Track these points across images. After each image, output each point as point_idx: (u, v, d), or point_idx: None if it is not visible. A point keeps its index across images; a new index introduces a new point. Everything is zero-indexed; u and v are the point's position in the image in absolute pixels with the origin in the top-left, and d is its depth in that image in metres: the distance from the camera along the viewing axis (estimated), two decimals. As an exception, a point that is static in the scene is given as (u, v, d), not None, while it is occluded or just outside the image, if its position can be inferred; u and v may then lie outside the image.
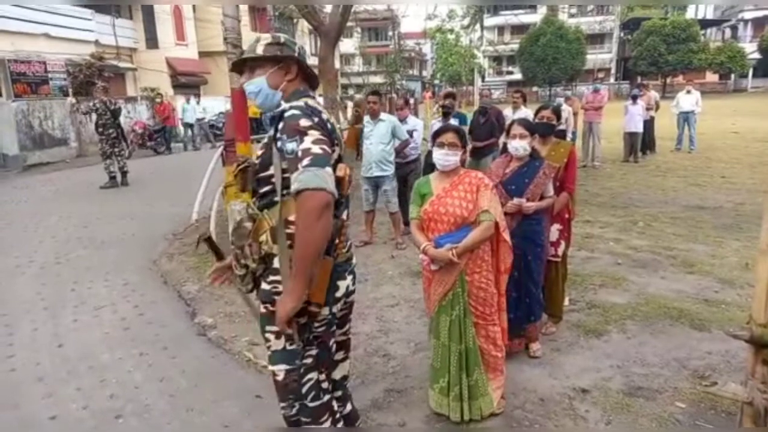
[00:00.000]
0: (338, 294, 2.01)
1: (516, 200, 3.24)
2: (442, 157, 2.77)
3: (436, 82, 56.16)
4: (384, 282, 5.04)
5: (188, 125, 18.38)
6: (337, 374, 2.32)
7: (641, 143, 12.17)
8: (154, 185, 11.06)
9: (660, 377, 3.23)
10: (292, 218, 1.85)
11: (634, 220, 6.84)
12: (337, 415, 2.17)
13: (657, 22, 43.90)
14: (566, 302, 4.13)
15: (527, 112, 8.05)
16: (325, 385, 2.09)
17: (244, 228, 2.01)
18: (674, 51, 41.99)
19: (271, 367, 2.05)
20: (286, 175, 1.81)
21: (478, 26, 52.73)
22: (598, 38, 49.84)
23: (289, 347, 1.98)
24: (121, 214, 8.17)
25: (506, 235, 2.84)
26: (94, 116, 10.77)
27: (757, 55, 43.94)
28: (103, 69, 18.95)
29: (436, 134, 2.85)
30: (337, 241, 1.93)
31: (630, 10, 50.48)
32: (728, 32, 52.28)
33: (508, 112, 8.51)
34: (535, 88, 43.04)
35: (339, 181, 1.86)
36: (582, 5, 50.77)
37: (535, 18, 45.39)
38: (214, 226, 6.24)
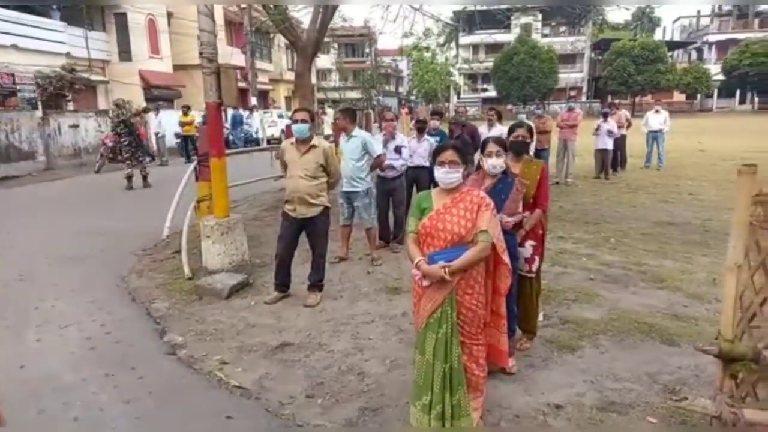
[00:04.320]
0: None
1: (498, 216, 3.26)
2: (444, 175, 2.77)
3: (413, 98, 56.75)
4: (359, 298, 5.00)
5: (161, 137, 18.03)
6: None
7: (612, 160, 12.44)
8: (124, 200, 10.84)
9: (632, 392, 3.26)
10: None
11: (606, 236, 6.95)
12: None
13: (626, 43, 45.34)
14: (540, 318, 4.15)
15: (502, 129, 8.20)
16: None
17: None
18: (643, 71, 43.36)
19: None
20: None
21: (453, 44, 53.63)
22: (570, 58, 51.13)
23: None
24: (90, 230, 7.97)
25: (505, 257, 2.83)
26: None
27: (721, 77, 45.60)
28: (74, 82, 18.62)
29: (436, 152, 2.85)
30: None
31: (600, 31, 52.00)
32: (694, 54, 54.22)
33: (483, 129, 8.65)
34: (509, 106, 43.80)
35: None
36: (555, 26, 52.11)
37: (509, 37, 46.35)
38: (186, 242, 6.13)
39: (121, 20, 22.57)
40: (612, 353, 3.76)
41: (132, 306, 5.03)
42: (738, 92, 48.20)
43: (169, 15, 25.36)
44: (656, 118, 13.34)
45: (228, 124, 20.92)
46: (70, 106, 19.17)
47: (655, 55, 43.65)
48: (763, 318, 2.26)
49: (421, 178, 6.91)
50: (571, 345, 3.88)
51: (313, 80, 31.47)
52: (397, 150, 6.44)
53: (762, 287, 2.23)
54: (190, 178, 7.14)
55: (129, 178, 11.79)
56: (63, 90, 18.15)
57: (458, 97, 53.26)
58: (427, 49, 48.82)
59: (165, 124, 18.04)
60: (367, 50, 49.72)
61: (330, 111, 22.66)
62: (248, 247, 5.91)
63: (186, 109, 18.19)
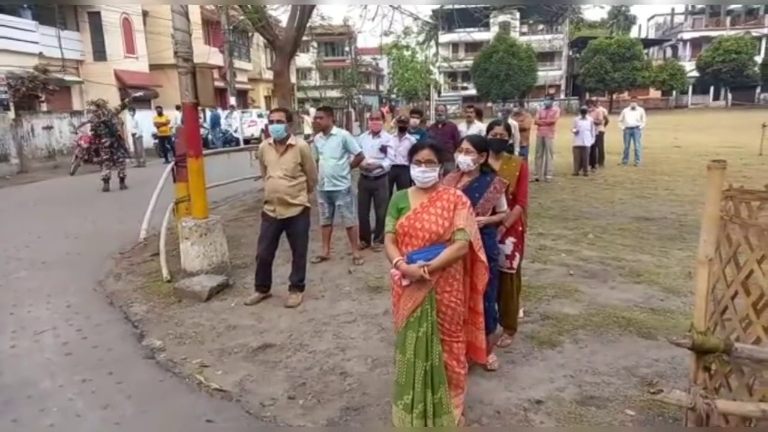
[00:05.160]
0: None
1: None
2: (420, 174, 2.78)
3: (394, 96, 56.72)
4: (341, 298, 4.99)
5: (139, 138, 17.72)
6: None
7: (590, 157, 12.60)
8: (100, 202, 10.65)
9: (611, 386, 3.30)
10: None
11: (585, 232, 7.04)
12: None
13: (603, 41, 45.93)
14: (521, 314, 4.18)
15: (481, 127, 8.30)
16: None
17: None
18: (619, 68, 43.99)
19: None
20: None
21: (433, 43, 53.71)
22: (548, 56, 51.61)
23: None
24: (66, 233, 7.83)
25: (482, 255, 2.84)
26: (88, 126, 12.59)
27: (695, 73, 46.52)
28: (47, 82, 18.22)
29: (413, 151, 2.85)
30: None
31: (577, 29, 52.59)
32: (669, 51, 55.21)
33: (462, 127, 8.70)
34: (489, 104, 44.07)
35: None
36: (532, 24, 52.56)
37: (487, 35, 46.59)
38: (164, 244, 6.05)
39: (95, 19, 22.18)
40: (591, 348, 3.81)
41: (109, 310, 4.94)
42: (712, 89, 49.22)
43: (145, 14, 24.98)
44: (632, 115, 13.54)
45: (207, 124, 20.71)
46: (44, 107, 18.78)
47: (631, 52, 44.31)
48: (735, 310, 2.32)
49: (401, 176, 6.91)
50: (551, 340, 3.92)
51: (293, 79, 31.29)
52: (383, 149, 6.44)
53: (733, 280, 2.29)
54: (168, 179, 7.05)
55: (106, 179, 11.64)
56: (36, 91, 17.74)
57: (439, 96, 53.42)
58: (407, 47, 48.79)
59: (142, 125, 17.78)
60: (346, 49, 49.55)
61: (312, 110, 22.55)
62: (228, 248, 5.86)
63: (160, 110, 17.96)
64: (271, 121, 4.70)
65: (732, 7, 51.60)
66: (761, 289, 2.18)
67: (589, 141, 12.12)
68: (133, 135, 17.69)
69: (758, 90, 48.36)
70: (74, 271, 6.07)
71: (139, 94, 17.60)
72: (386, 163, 6.46)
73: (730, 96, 48.44)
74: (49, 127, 17.12)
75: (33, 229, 8.21)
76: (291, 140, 4.73)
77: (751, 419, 2.24)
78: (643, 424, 2.92)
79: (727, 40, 44.24)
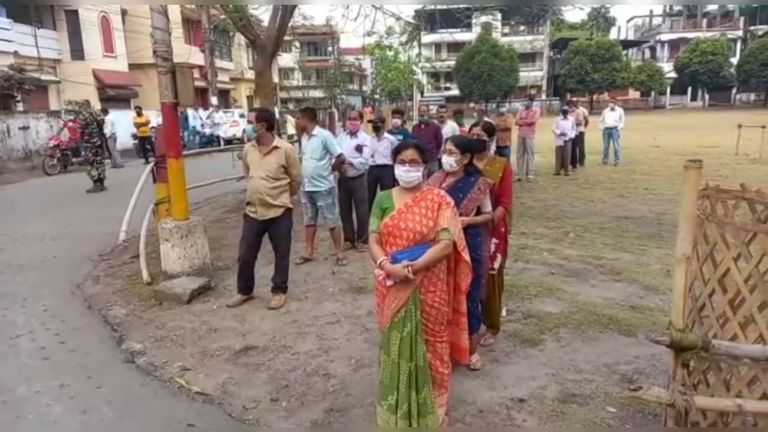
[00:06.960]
0: None
1: None
2: (404, 173, 2.78)
3: (377, 97, 56.70)
4: (325, 299, 4.97)
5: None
6: None
7: (571, 157, 12.73)
8: (78, 204, 10.47)
9: (592, 383, 3.34)
10: None
11: (566, 231, 7.11)
12: None
13: (583, 42, 46.49)
14: (504, 313, 4.21)
15: (453, 126, 8.91)
16: None
17: None
18: (599, 69, 44.57)
19: None
20: None
21: (416, 43, 53.83)
22: (530, 57, 52.04)
23: None
24: (43, 235, 7.67)
25: (465, 255, 2.85)
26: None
27: (673, 74, 47.31)
28: (23, 81, 17.86)
29: (397, 151, 2.85)
30: None
31: (558, 30, 53.17)
32: (648, 52, 56.07)
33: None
34: (472, 104, 44.29)
35: None
36: (514, 25, 52.98)
37: (470, 36, 46.85)
38: (144, 246, 5.97)
39: (73, 18, 21.81)
40: (572, 346, 3.85)
41: (88, 313, 4.86)
42: (689, 90, 50.07)
43: (124, 13, 24.63)
44: (612, 116, 13.71)
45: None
46: (20, 106, 18.41)
47: (611, 53, 44.92)
48: (712, 308, 2.35)
49: (384, 176, 6.91)
50: (533, 339, 3.95)
51: (276, 79, 31.06)
52: (358, 148, 6.41)
53: (710, 278, 2.32)
54: (148, 179, 6.96)
55: (101, 179, 11.62)
56: (11, 90, 17.40)
57: (422, 96, 53.52)
58: (390, 47, 48.86)
59: (116, 125, 17.45)
60: (329, 49, 49.44)
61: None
62: (210, 249, 5.80)
63: (139, 110, 17.74)
64: (249, 122, 4.70)
65: (709, 8, 52.58)
66: (737, 287, 2.22)
67: (570, 136, 12.24)
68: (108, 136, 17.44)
69: (734, 91, 49.35)
70: (51, 274, 5.95)
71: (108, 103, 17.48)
72: (357, 161, 6.42)
73: (707, 97, 49.33)
74: (25, 128, 16.78)
75: (8, 231, 8.03)
76: (276, 142, 4.71)
77: (728, 414, 2.28)
78: (623, 420, 2.95)
79: (704, 42, 45.05)
